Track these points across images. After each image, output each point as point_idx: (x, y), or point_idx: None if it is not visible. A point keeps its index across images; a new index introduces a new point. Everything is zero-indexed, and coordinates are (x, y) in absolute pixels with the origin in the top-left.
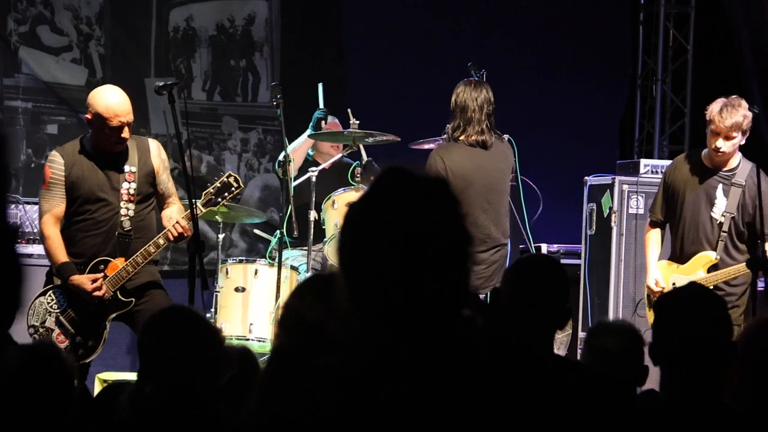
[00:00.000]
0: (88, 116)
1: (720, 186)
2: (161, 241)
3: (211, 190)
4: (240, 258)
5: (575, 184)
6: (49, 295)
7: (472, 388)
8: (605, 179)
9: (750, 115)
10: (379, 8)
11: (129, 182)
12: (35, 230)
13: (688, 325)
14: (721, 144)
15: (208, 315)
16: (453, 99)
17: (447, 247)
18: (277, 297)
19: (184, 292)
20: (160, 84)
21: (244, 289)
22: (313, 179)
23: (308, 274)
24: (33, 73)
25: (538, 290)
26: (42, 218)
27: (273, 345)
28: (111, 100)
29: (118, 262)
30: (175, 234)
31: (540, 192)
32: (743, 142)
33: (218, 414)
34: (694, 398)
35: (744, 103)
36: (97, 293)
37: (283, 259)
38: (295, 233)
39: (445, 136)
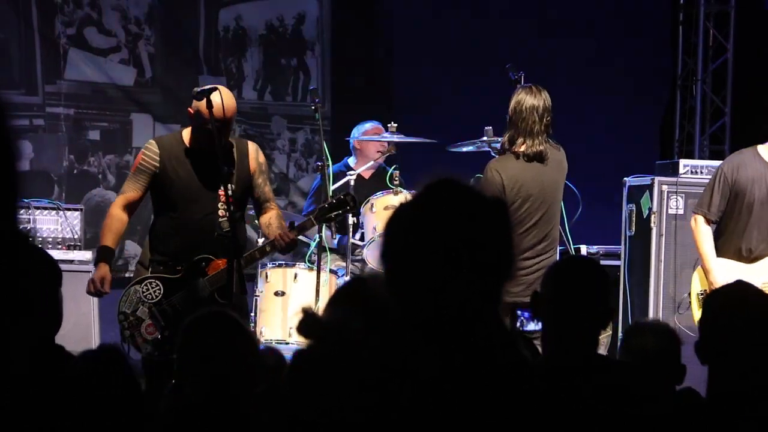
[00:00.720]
0: (191, 110)
1: None
2: (268, 249)
3: (326, 206)
4: (279, 262)
5: (615, 185)
6: (146, 285)
7: (490, 397)
8: (645, 180)
9: None
10: (427, 6)
11: (231, 184)
12: (76, 236)
13: (741, 323)
14: None
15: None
16: (512, 106)
17: (486, 261)
18: (317, 301)
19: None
20: (198, 90)
21: (283, 293)
22: (351, 182)
23: (347, 278)
24: (82, 75)
25: (579, 290)
26: (116, 199)
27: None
28: (215, 100)
29: (221, 263)
30: (284, 244)
31: (579, 193)
32: None
33: (253, 419)
34: (743, 395)
35: None
36: (92, 287)
37: (322, 263)
38: (334, 238)
39: (499, 145)
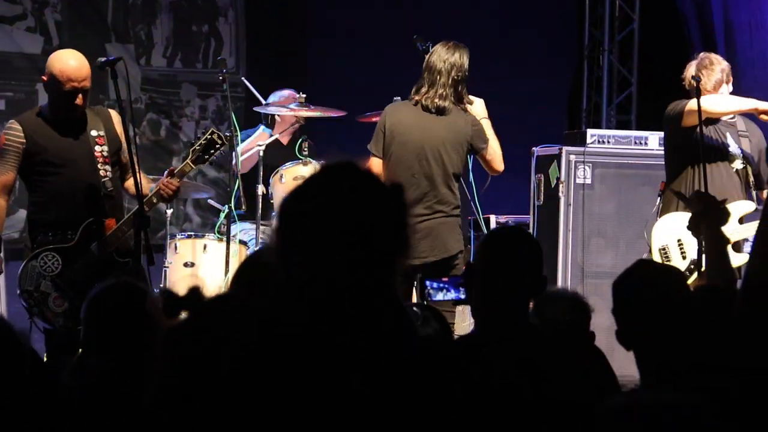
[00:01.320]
0: (44, 78)
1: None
2: (155, 200)
3: (197, 147)
4: (189, 233)
5: (523, 155)
6: (42, 259)
7: (375, 371)
8: (552, 150)
9: None
10: None
11: (101, 145)
12: None
13: (651, 302)
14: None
15: (157, 290)
16: (426, 57)
17: (380, 242)
18: (227, 272)
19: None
20: (102, 60)
21: (193, 264)
22: (261, 153)
23: (256, 248)
24: None
25: (510, 259)
26: None
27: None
28: (67, 64)
29: (111, 222)
30: (170, 192)
31: None
32: None
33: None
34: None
35: None
36: None
37: (232, 234)
38: (244, 207)
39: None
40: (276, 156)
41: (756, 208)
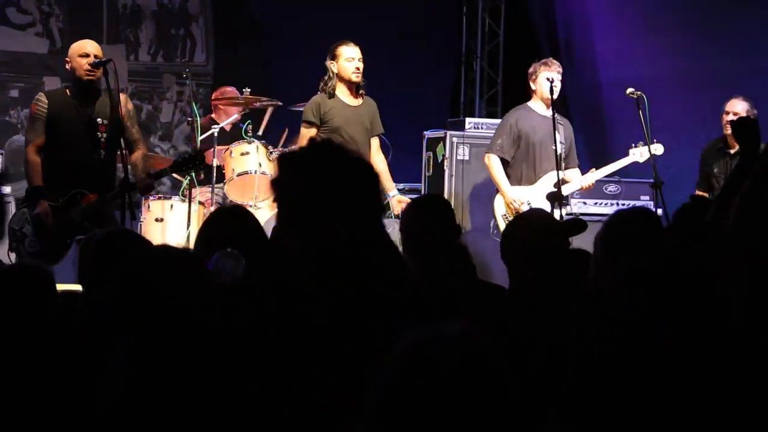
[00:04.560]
0: (67, 63)
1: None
2: (138, 185)
3: (180, 160)
4: (159, 195)
5: (416, 137)
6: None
7: (374, 314)
8: (439, 133)
9: None
10: None
11: (102, 132)
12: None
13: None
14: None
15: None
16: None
17: (360, 203)
18: (188, 226)
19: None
20: (96, 61)
21: (162, 220)
22: (215, 134)
23: (212, 208)
24: (3, 45)
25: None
26: (27, 146)
27: None
28: (84, 42)
29: (92, 196)
30: (143, 187)
31: (390, 143)
32: None
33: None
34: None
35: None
36: (46, 217)
37: (192, 196)
38: (202, 176)
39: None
40: (226, 137)
41: (563, 179)
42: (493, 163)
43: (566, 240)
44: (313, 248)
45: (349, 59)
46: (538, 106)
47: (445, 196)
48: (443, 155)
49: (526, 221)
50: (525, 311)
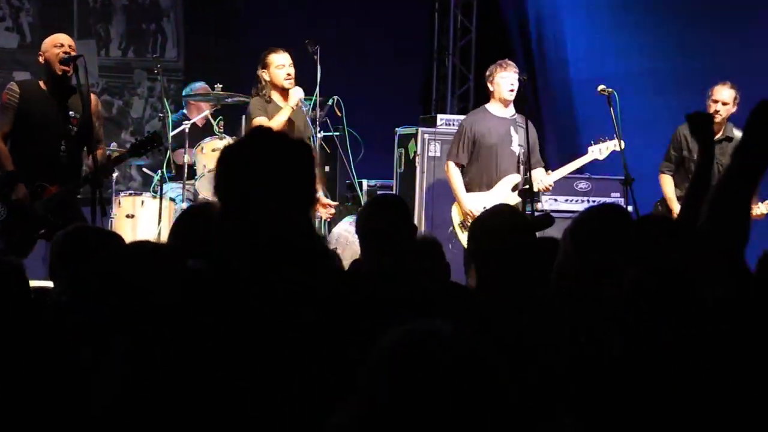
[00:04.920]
0: (41, 57)
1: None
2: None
3: (137, 143)
4: (130, 191)
5: (388, 134)
6: None
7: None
8: (411, 130)
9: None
10: None
11: (72, 125)
12: None
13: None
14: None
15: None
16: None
17: (296, 190)
18: (159, 222)
19: (88, 218)
20: (65, 56)
21: (133, 216)
22: (186, 130)
23: (184, 204)
24: None
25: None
26: None
27: None
28: (57, 35)
29: (53, 189)
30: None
31: (362, 140)
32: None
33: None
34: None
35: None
36: (26, 201)
37: (163, 192)
38: (173, 171)
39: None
40: (197, 133)
41: (525, 179)
42: (451, 170)
43: (533, 235)
44: (265, 236)
45: (279, 66)
46: (495, 107)
47: (417, 191)
48: (415, 152)
49: (494, 217)
50: (495, 309)
